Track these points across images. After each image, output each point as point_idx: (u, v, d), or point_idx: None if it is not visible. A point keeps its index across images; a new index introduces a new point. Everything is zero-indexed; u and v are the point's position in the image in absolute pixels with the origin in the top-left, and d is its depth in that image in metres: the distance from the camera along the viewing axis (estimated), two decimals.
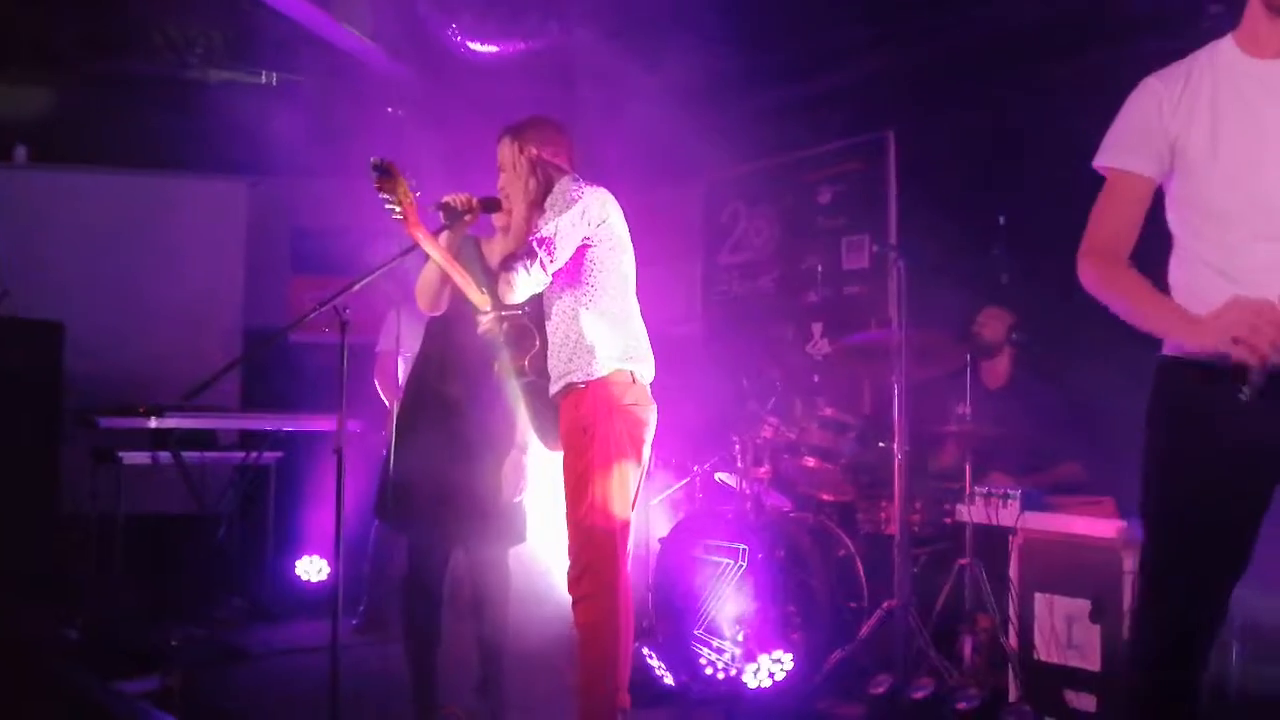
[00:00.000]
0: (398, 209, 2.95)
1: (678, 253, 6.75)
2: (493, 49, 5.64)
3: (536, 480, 3.46)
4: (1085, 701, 3.50)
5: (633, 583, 3.08)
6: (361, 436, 5.25)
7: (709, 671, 4.09)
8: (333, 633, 3.02)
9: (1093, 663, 3.48)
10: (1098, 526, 3.54)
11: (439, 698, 3.43)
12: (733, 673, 3.95)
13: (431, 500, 3.27)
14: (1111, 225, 2.21)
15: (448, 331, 3.36)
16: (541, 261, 2.90)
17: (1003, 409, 4.34)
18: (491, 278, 3.10)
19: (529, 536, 3.50)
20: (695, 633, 4.23)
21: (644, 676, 3.91)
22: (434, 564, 3.39)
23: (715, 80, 5.64)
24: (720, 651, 4.09)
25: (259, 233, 6.91)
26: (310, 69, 6.41)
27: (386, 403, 4.97)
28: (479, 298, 3.07)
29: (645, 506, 4.70)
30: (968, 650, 3.86)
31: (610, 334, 3.02)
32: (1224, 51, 2.15)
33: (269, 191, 6.96)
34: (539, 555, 4.16)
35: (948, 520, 4.16)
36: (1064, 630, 3.57)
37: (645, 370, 3.10)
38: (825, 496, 4.70)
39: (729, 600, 4.10)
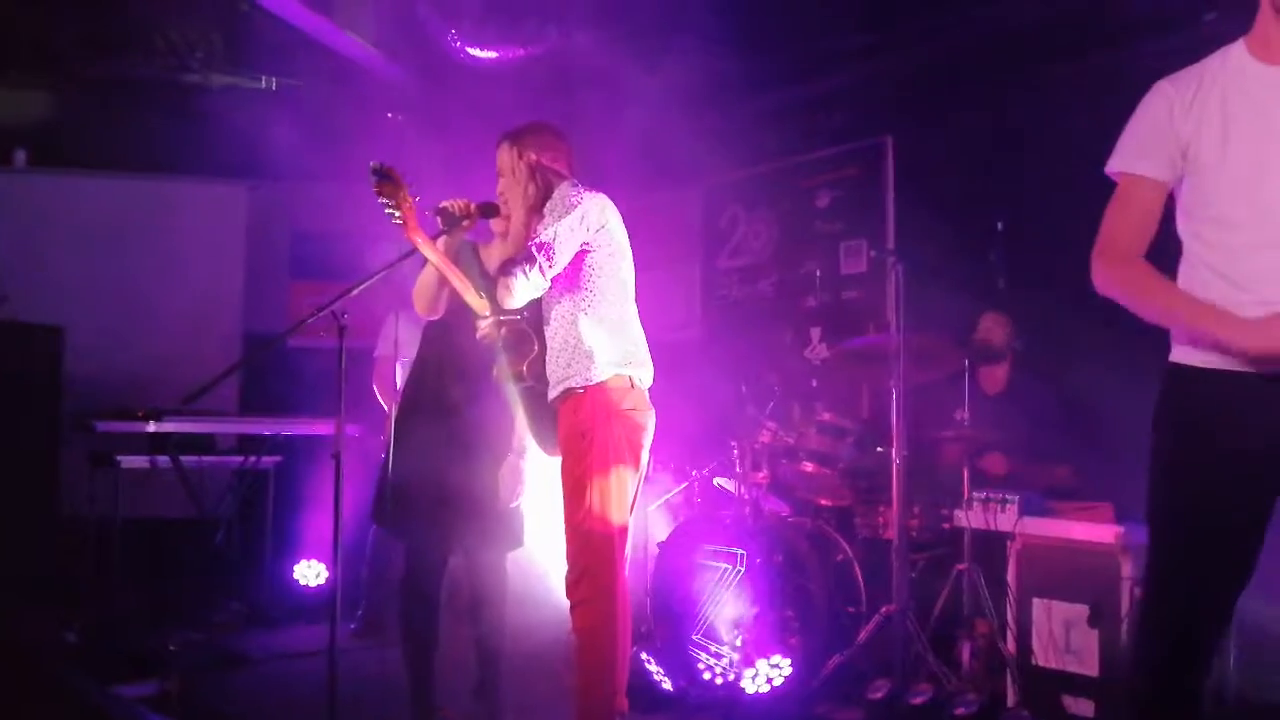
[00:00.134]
0: (397, 214, 2.96)
1: (677, 257, 6.75)
2: (492, 54, 5.66)
3: (534, 484, 3.46)
4: (1083, 707, 3.50)
5: (631, 587, 3.08)
6: (360, 441, 5.27)
7: (707, 676, 4.08)
8: (331, 637, 3.03)
9: (1091, 668, 3.48)
10: (1096, 532, 3.54)
11: (437, 701, 3.43)
12: (731, 678, 3.94)
13: (430, 503, 3.27)
14: (1125, 229, 2.18)
15: (446, 336, 3.37)
16: (540, 266, 2.90)
17: (1001, 414, 4.34)
18: (489, 283, 3.10)
19: (527, 540, 3.50)
20: (693, 638, 4.22)
21: (642, 681, 3.90)
22: (432, 567, 3.39)
23: (713, 85, 5.65)
24: (718, 656, 4.08)
25: (259, 237, 6.92)
26: (310, 73, 6.41)
27: (385, 407, 4.97)
28: (477, 302, 3.07)
29: (643, 511, 4.69)
30: (966, 655, 3.86)
31: (609, 339, 3.02)
32: (1235, 56, 2.15)
33: (269, 196, 6.97)
34: (537, 559, 4.17)
35: (946, 525, 4.16)
36: (1062, 635, 3.57)
37: (644, 375, 3.10)
38: (823, 501, 4.70)
39: (727, 605, 4.09)
